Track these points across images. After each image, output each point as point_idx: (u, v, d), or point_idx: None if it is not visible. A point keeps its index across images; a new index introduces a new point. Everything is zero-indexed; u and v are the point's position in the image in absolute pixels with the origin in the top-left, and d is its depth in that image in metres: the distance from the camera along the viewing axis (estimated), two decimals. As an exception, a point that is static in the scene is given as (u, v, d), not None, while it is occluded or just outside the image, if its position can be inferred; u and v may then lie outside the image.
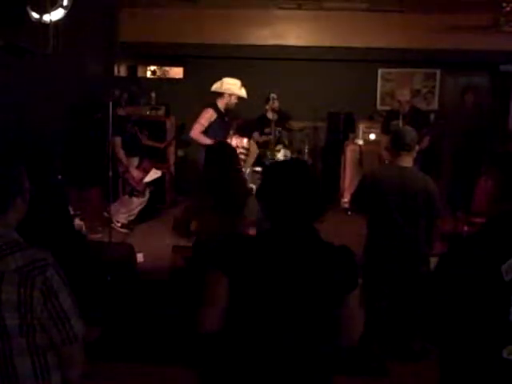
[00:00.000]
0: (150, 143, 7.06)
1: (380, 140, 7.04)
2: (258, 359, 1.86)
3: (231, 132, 6.03)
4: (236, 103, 5.84)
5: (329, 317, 1.89)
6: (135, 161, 6.55)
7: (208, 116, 5.73)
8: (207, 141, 5.54)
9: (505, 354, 1.78)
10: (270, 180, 1.99)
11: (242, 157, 5.77)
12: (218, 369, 1.94)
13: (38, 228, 3.09)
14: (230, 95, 5.77)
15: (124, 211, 6.59)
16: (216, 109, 5.78)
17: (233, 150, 4.19)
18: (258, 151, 6.28)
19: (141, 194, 6.52)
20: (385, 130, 6.61)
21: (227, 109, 5.83)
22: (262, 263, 1.86)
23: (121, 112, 6.21)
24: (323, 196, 2.02)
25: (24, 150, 3.46)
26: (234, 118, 6.24)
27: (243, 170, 5.80)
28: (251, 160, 5.99)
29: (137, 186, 6.45)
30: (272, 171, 2.05)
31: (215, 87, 5.83)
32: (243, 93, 5.81)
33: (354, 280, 1.92)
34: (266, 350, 1.85)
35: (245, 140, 5.89)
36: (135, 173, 6.47)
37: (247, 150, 5.89)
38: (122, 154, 6.33)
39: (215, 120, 5.75)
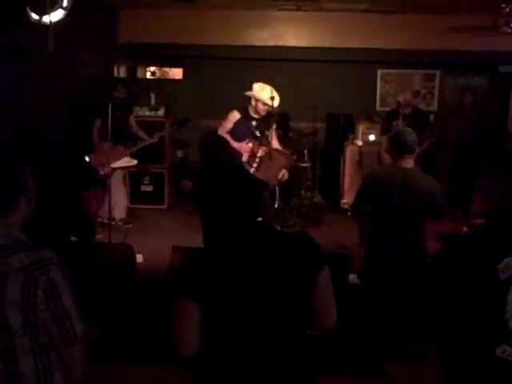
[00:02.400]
0: (141, 133, 6.75)
1: (379, 141, 7.04)
2: (241, 362, 1.85)
3: (266, 134, 5.97)
4: (266, 110, 5.77)
5: (301, 301, 1.88)
6: (107, 145, 6.26)
7: (231, 118, 5.89)
8: (231, 142, 5.86)
9: (498, 353, 1.78)
10: (202, 186, 1.97)
11: (254, 164, 5.85)
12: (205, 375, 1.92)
13: (42, 227, 3.10)
14: (257, 101, 5.78)
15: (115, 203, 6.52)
16: (242, 111, 5.87)
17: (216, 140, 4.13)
18: (283, 165, 6.09)
19: (103, 180, 6.20)
20: (385, 130, 6.62)
21: (259, 113, 5.83)
22: (226, 273, 1.82)
23: (109, 97, 6.16)
24: (256, 191, 1.98)
25: (24, 150, 3.46)
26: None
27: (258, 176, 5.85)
28: (266, 170, 5.88)
29: (100, 170, 6.14)
30: (201, 177, 2.02)
31: (247, 92, 5.86)
32: (271, 101, 5.68)
33: (317, 260, 1.91)
34: (249, 350, 1.84)
35: (260, 150, 5.88)
36: (100, 155, 6.18)
37: (260, 157, 5.87)
38: (95, 135, 6.32)
39: (239, 122, 5.85)
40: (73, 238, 4.79)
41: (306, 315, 1.92)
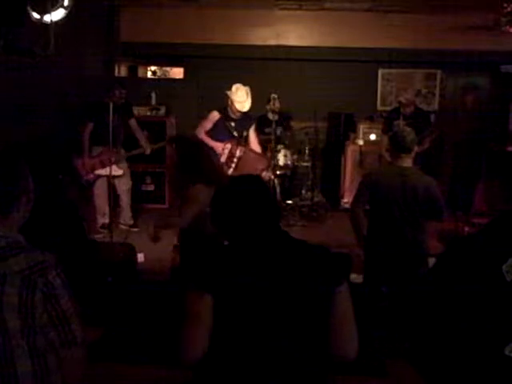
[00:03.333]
0: (140, 136, 6.63)
1: (381, 140, 7.04)
2: (250, 369, 1.80)
3: (243, 135, 6.01)
4: (239, 111, 5.83)
5: (319, 317, 1.82)
6: (96, 150, 6.26)
7: (210, 117, 5.89)
8: (207, 140, 5.74)
9: (507, 352, 1.79)
10: (220, 205, 1.98)
11: (232, 165, 5.89)
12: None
13: (42, 228, 3.09)
14: (232, 101, 5.82)
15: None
16: (222, 111, 5.88)
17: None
18: (263, 166, 6.18)
19: (85, 186, 6.20)
20: (386, 129, 6.61)
21: (235, 114, 5.87)
22: (245, 274, 1.80)
23: (106, 100, 6.15)
24: (272, 198, 1.99)
25: (24, 150, 3.45)
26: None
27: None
28: (245, 170, 5.86)
29: (84, 176, 6.16)
30: (219, 197, 2.02)
31: (228, 91, 5.88)
32: (241, 105, 5.78)
33: (337, 275, 1.86)
34: (260, 358, 1.79)
35: (238, 150, 5.91)
36: (87, 161, 6.18)
37: (238, 158, 5.90)
38: (86, 139, 6.19)
39: (218, 122, 5.86)
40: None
41: (322, 333, 1.84)
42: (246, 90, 5.84)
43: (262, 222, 1.89)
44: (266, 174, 6.19)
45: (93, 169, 6.19)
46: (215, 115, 5.89)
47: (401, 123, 6.29)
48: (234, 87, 5.85)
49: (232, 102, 5.81)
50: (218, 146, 5.85)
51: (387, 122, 6.78)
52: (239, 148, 5.93)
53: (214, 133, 5.87)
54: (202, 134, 5.83)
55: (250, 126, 6.09)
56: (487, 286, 1.79)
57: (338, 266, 1.87)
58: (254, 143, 6.17)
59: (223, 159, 5.87)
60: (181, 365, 1.81)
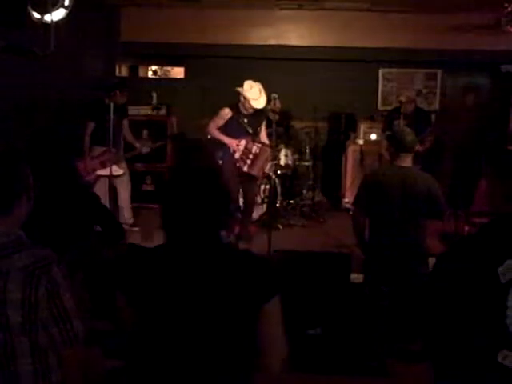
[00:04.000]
0: (130, 137, 6.62)
1: (381, 140, 7.04)
2: (166, 370, 1.75)
3: (258, 131, 6.02)
4: (253, 108, 5.81)
5: (243, 331, 1.75)
6: (97, 150, 6.24)
7: (223, 114, 5.87)
8: (219, 136, 5.85)
9: (500, 359, 1.75)
10: (169, 185, 1.88)
11: (248, 161, 5.86)
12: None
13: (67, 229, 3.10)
14: (244, 99, 5.79)
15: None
16: (233, 108, 5.85)
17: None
18: (270, 157, 6.21)
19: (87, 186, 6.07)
20: (386, 129, 6.61)
21: (247, 110, 5.84)
22: (161, 279, 1.74)
23: (107, 101, 6.15)
24: (221, 204, 1.82)
25: (25, 149, 3.46)
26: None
27: (251, 172, 5.91)
28: (259, 165, 5.94)
29: (85, 176, 6.08)
30: (172, 176, 1.93)
31: (239, 88, 5.86)
32: (255, 102, 5.76)
33: (268, 290, 1.76)
34: (178, 369, 1.74)
35: (255, 146, 5.90)
36: (88, 161, 6.16)
37: (254, 154, 5.89)
38: (87, 139, 6.19)
39: (230, 119, 5.84)
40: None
41: (246, 347, 1.76)
42: (259, 87, 5.82)
43: (197, 223, 1.76)
44: (268, 165, 6.19)
45: (94, 170, 6.20)
46: (227, 112, 5.85)
47: (401, 122, 6.29)
48: (247, 84, 5.81)
49: (245, 100, 5.77)
50: (232, 142, 5.85)
51: (387, 121, 6.78)
52: (255, 144, 5.92)
53: (226, 130, 5.86)
54: (214, 131, 5.86)
55: (262, 121, 6.08)
56: (483, 288, 1.78)
57: (269, 283, 1.77)
58: (264, 136, 6.18)
59: (237, 155, 5.86)
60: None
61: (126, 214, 6.69)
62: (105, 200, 6.28)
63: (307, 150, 7.63)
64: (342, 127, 8.16)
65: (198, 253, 1.76)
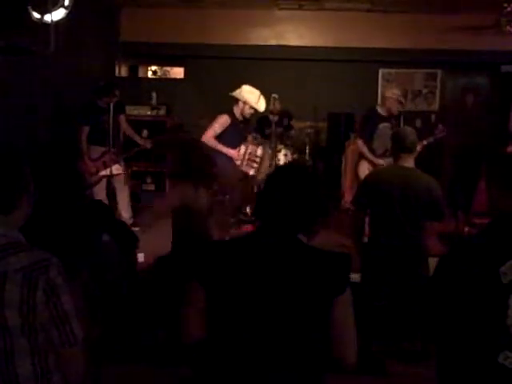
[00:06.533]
0: (131, 133, 6.60)
1: (355, 140, 6.78)
2: (242, 368, 1.81)
3: (249, 138, 6.02)
4: (251, 113, 5.80)
5: (315, 324, 1.81)
6: (97, 151, 6.22)
7: (222, 121, 5.69)
8: (218, 146, 5.65)
9: (501, 359, 1.74)
10: (269, 182, 1.96)
11: (255, 165, 5.84)
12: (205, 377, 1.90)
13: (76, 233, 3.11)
14: (245, 103, 5.74)
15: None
16: (231, 115, 5.74)
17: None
18: (270, 160, 6.19)
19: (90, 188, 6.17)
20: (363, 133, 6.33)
21: (244, 116, 5.80)
22: (238, 271, 1.82)
23: (100, 103, 6.11)
24: (316, 207, 1.89)
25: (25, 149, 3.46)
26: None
27: (257, 176, 5.89)
28: (264, 167, 5.93)
29: (89, 178, 6.10)
30: (274, 173, 2.04)
31: (234, 93, 5.79)
32: (258, 105, 5.75)
33: (339, 284, 1.83)
34: (251, 358, 1.80)
35: (259, 148, 5.89)
36: (90, 163, 6.15)
37: (261, 158, 5.87)
38: (84, 143, 6.14)
39: (229, 126, 5.71)
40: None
41: (323, 336, 1.84)
42: (259, 93, 5.80)
43: (286, 218, 1.84)
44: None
45: (97, 171, 6.22)
46: (227, 119, 5.69)
47: (388, 126, 6.09)
48: (248, 88, 5.76)
49: (245, 104, 5.71)
50: (232, 153, 5.74)
51: (365, 124, 6.41)
52: (259, 147, 5.89)
53: (222, 137, 5.70)
54: (211, 140, 5.61)
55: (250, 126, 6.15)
56: (484, 288, 1.77)
57: (341, 275, 1.85)
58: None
59: (240, 162, 5.78)
60: (183, 347, 1.94)
61: (126, 214, 6.69)
62: (104, 200, 6.30)
63: (307, 150, 7.63)
64: (342, 127, 8.16)
65: (277, 247, 1.84)
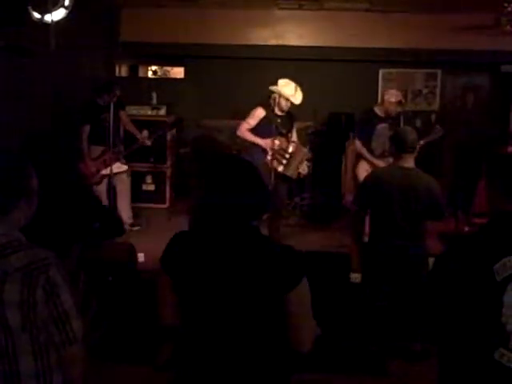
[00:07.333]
0: (132, 129, 6.64)
1: (354, 141, 6.75)
2: (208, 354, 1.90)
3: (288, 132, 5.88)
4: (288, 106, 5.69)
5: (270, 315, 1.86)
6: (97, 150, 6.24)
7: (256, 114, 5.68)
8: (252, 138, 5.65)
9: (496, 357, 1.76)
10: (209, 171, 1.99)
11: (284, 161, 5.70)
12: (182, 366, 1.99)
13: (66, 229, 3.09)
14: (280, 96, 5.67)
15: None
16: (266, 107, 5.70)
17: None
18: (305, 157, 6.01)
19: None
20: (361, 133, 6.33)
21: (281, 109, 5.70)
22: (198, 261, 1.90)
23: (100, 102, 6.12)
24: (259, 195, 1.94)
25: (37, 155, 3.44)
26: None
27: (287, 173, 5.74)
28: (294, 164, 5.79)
29: (90, 178, 6.11)
30: (213, 165, 2.05)
31: (271, 86, 5.73)
32: (294, 98, 5.63)
33: (293, 277, 1.86)
34: (215, 344, 1.88)
35: (291, 145, 5.77)
36: (90, 163, 6.18)
37: (291, 155, 5.73)
38: (85, 142, 6.17)
39: (263, 119, 5.66)
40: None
41: (277, 327, 1.88)
42: (294, 84, 5.71)
43: (240, 209, 1.89)
44: (304, 166, 5.95)
45: (98, 170, 6.21)
46: (261, 112, 5.66)
47: (387, 127, 6.07)
48: (283, 81, 5.70)
49: (281, 97, 5.63)
50: (266, 142, 5.63)
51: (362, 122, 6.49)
52: (292, 144, 5.78)
53: (256, 130, 5.66)
54: (246, 133, 5.65)
55: (294, 121, 5.94)
56: (479, 286, 1.78)
57: (295, 269, 1.88)
58: (295, 137, 6.03)
59: (269, 157, 5.65)
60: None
61: (126, 214, 6.69)
62: (105, 199, 6.30)
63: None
64: (342, 127, 8.15)
65: (229, 236, 1.90)
